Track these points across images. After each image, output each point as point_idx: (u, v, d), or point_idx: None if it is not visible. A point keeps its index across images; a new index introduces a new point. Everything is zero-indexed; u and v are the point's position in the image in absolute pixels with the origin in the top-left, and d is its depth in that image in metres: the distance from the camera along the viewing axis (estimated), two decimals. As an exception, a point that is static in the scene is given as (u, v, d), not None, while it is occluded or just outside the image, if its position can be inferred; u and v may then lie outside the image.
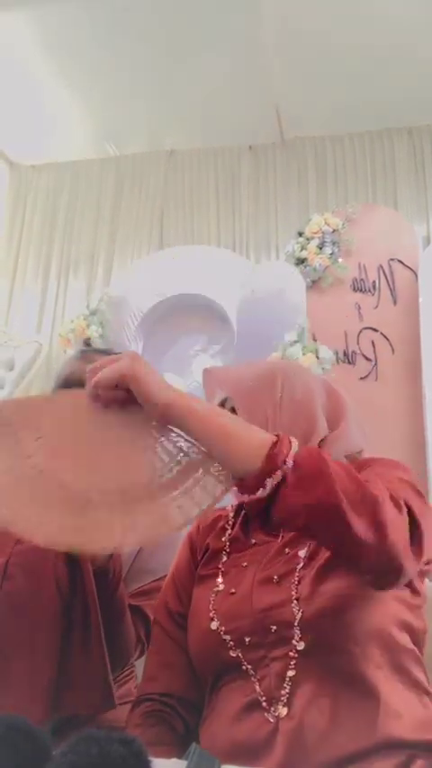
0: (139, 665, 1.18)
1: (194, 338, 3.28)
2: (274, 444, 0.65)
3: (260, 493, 0.63)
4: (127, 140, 3.63)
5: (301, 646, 0.75)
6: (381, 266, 2.88)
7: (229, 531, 0.94)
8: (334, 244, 2.93)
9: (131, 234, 3.62)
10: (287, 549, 0.85)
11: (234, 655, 0.80)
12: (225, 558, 0.91)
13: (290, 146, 3.53)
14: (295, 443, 0.66)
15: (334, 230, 2.95)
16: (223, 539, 0.94)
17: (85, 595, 0.94)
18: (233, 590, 0.85)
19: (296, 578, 0.80)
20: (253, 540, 0.91)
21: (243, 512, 0.96)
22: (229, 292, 3.05)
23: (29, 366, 3.16)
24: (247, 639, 0.79)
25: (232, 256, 3.32)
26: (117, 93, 3.17)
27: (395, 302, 2.83)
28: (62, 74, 3.04)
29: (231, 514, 0.98)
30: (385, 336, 2.78)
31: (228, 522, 0.96)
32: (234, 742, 0.75)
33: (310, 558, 0.82)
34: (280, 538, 0.88)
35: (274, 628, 0.78)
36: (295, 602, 0.77)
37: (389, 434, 2.56)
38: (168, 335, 3.32)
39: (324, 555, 0.80)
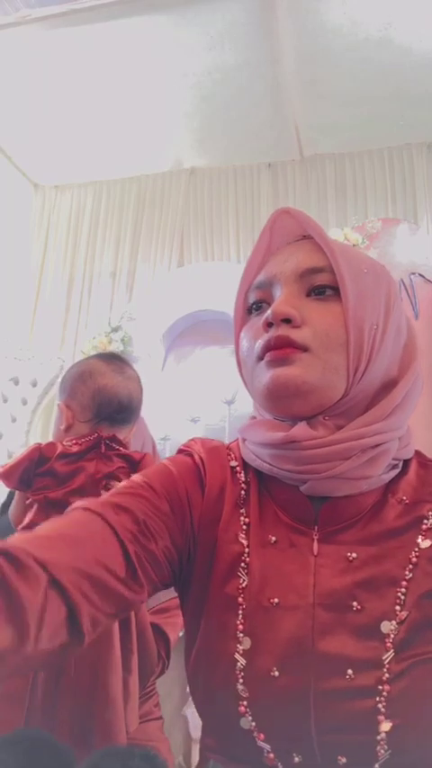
0: (161, 683, 1.18)
1: (215, 353, 3.29)
2: None
3: None
4: (148, 160, 3.69)
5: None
6: (402, 281, 2.86)
7: (243, 482, 0.63)
8: (354, 259, 2.92)
9: (153, 252, 3.66)
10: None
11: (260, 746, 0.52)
12: (245, 528, 0.59)
13: (309, 163, 3.55)
14: None
15: (354, 245, 2.94)
16: (242, 492, 0.62)
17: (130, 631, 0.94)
18: (275, 600, 0.54)
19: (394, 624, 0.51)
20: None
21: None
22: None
23: (51, 382, 3.20)
24: (295, 758, 0.52)
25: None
26: (137, 112, 3.22)
27: (417, 316, 2.81)
28: (84, 95, 3.11)
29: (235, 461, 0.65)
30: (407, 351, 2.75)
31: (237, 468, 0.64)
32: None
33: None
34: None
35: (344, 760, 0.51)
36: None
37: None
38: (189, 351, 3.34)
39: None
